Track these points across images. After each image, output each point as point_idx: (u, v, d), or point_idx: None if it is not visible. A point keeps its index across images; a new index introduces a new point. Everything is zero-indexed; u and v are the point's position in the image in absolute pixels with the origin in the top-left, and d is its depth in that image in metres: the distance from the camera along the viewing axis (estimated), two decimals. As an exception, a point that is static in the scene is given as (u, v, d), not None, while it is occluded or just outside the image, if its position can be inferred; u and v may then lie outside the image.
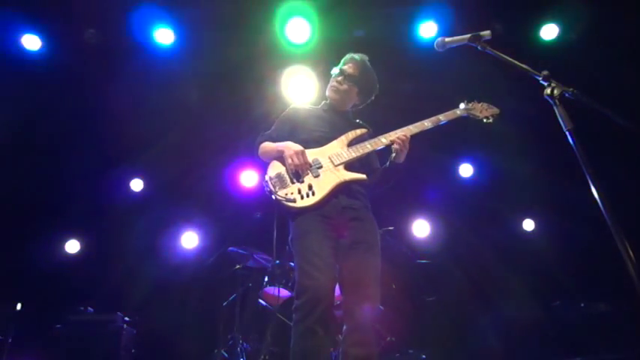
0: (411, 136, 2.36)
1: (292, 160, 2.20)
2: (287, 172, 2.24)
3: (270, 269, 4.34)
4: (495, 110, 2.58)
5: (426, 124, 2.44)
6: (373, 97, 2.67)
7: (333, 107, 2.61)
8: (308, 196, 2.15)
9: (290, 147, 2.26)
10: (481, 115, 2.54)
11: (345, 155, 2.30)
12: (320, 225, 2.14)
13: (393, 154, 2.36)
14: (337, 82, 2.55)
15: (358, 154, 2.31)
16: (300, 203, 2.14)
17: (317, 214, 2.15)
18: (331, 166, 2.27)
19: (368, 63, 2.59)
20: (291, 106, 2.65)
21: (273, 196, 2.17)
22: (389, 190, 2.52)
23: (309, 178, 2.21)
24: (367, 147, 2.34)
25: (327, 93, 2.62)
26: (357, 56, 2.58)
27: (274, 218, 4.19)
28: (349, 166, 2.30)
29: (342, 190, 2.22)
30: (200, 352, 4.60)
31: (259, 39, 4.95)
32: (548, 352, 4.40)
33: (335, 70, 2.59)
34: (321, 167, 2.26)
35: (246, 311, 4.40)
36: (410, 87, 5.01)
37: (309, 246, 2.10)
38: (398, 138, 2.31)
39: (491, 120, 2.55)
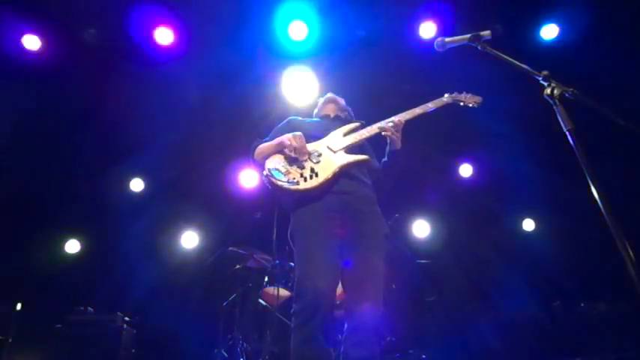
0: (406, 122, 2.48)
1: (291, 142, 2.21)
2: (286, 159, 2.23)
3: (270, 269, 4.34)
4: (478, 98, 2.76)
5: (417, 110, 2.57)
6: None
7: (327, 115, 2.76)
8: (311, 177, 2.13)
9: (287, 135, 2.29)
10: (466, 101, 2.74)
11: (344, 142, 2.36)
12: (322, 223, 2.10)
13: (389, 143, 2.46)
14: (331, 95, 2.87)
15: (356, 140, 2.38)
16: (303, 185, 2.10)
17: (318, 212, 2.11)
18: (331, 153, 2.30)
19: None
20: (288, 118, 2.67)
21: (276, 182, 2.12)
22: (390, 187, 2.53)
23: (310, 164, 2.21)
24: (364, 133, 2.42)
25: (325, 99, 2.85)
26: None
27: (274, 216, 4.20)
28: (349, 151, 2.35)
29: (344, 174, 2.22)
30: (200, 352, 4.60)
31: (259, 39, 4.95)
32: (548, 352, 4.40)
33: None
34: (320, 155, 2.27)
35: (246, 311, 4.40)
36: (410, 87, 5.01)
37: (310, 247, 2.07)
38: (385, 125, 2.41)
39: (476, 106, 2.75)
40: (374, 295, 2.06)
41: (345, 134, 2.44)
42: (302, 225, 2.14)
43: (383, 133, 2.42)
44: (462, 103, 2.75)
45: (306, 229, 2.12)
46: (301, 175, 2.14)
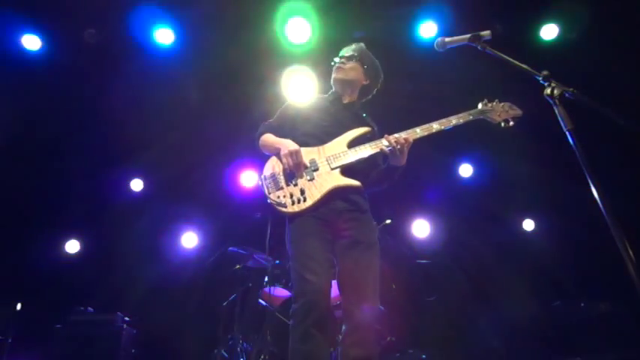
0: (415, 140, 2.25)
1: (287, 160, 2.18)
2: (282, 171, 2.22)
3: (270, 269, 4.34)
4: (518, 112, 2.40)
5: (435, 126, 2.30)
6: (381, 80, 2.64)
7: (339, 97, 2.56)
8: (299, 201, 2.13)
9: (286, 145, 2.23)
10: (499, 119, 2.37)
11: (343, 158, 2.24)
12: (316, 227, 2.12)
13: (390, 157, 2.26)
14: (341, 62, 2.53)
15: (356, 157, 2.23)
16: (290, 209, 2.13)
17: (312, 217, 2.13)
18: (327, 168, 2.21)
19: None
20: (293, 104, 2.60)
21: (267, 195, 2.18)
22: (388, 189, 2.50)
23: (302, 182, 2.18)
24: (367, 150, 2.25)
25: (333, 78, 2.57)
26: (352, 44, 2.63)
27: (269, 218, 4.22)
28: (346, 168, 2.24)
29: (336, 194, 2.18)
30: (200, 352, 4.60)
31: (259, 39, 4.95)
32: (548, 352, 4.40)
33: (336, 59, 2.58)
34: (317, 170, 2.21)
35: (246, 311, 4.40)
36: (410, 87, 5.01)
37: (304, 250, 2.08)
38: (394, 141, 2.19)
39: (511, 124, 2.36)
40: (371, 296, 2.07)
41: (350, 144, 2.29)
42: (296, 231, 2.15)
43: (385, 152, 2.22)
44: (494, 122, 2.36)
45: (300, 233, 2.13)
46: (291, 196, 2.14)
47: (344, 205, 2.20)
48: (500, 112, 2.39)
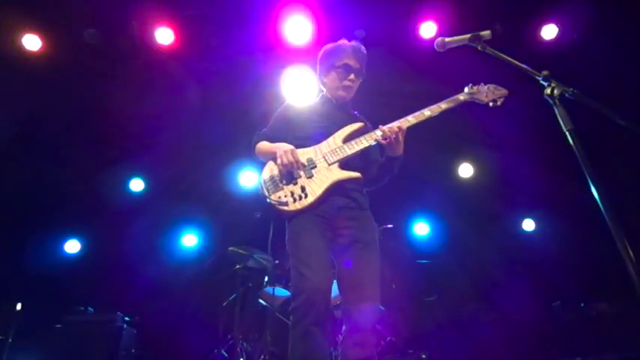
0: (410, 128, 2.28)
1: (282, 160, 2.17)
2: (280, 172, 2.21)
3: (270, 269, 4.35)
4: (503, 92, 2.48)
5: (426, 112, 2.34)
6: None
7: (331, 100, 2.54)
8: (300, 198, 2.13)
9: (280, 147, 2.23)
10: (487, 99, 2.45)
11: (340, 153, 2.25)
12: (315, 224, 2.11)
13: (387, 148, 2.27)
14: (351, 81, 2.46)
15: (353, 150, 2.25)
16: (292, 206, 2.12)
17: (313, 214, 2.13)
18: (325, 164, 2.22)
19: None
20: (287, 102, 2.60)
21: (267, 200, 2.16)
22: (388, 188, 2.50)
23: (302, 180, 2.18)
24: (363, 142, 2.27)
25: (335, 92, 2.49)
26: (358, 47, 2.52)
27: (272, 219, 4.22)
28: (344, 163, 2.25)
29: (336, 189, 2.18)
30: (200, 352, 4.60)
31: (259, 39, 4.95)
32: (548, 352, 4.40)
33: (341, 65, 2.45)
34: (314, 167, 2.22)
35: (246, 311, 4.40)
36: (410, 87, 5.01)
37: (303, 247, 2.08)
38: (388, 131, 2.21)
39: (498, 103, 2.46)
40: (371, 296, 2.07)
41: (345, 139, 2.30)
42: (296, 228, 2.15)
43: (380, 142, 2.24)
44: (482, 103, 2.44)
45: (299, 231, 2.13)
46: (292, 194, 2.14)
47: (344, 201, 2.20)
48: (487, 92, 2.48)
